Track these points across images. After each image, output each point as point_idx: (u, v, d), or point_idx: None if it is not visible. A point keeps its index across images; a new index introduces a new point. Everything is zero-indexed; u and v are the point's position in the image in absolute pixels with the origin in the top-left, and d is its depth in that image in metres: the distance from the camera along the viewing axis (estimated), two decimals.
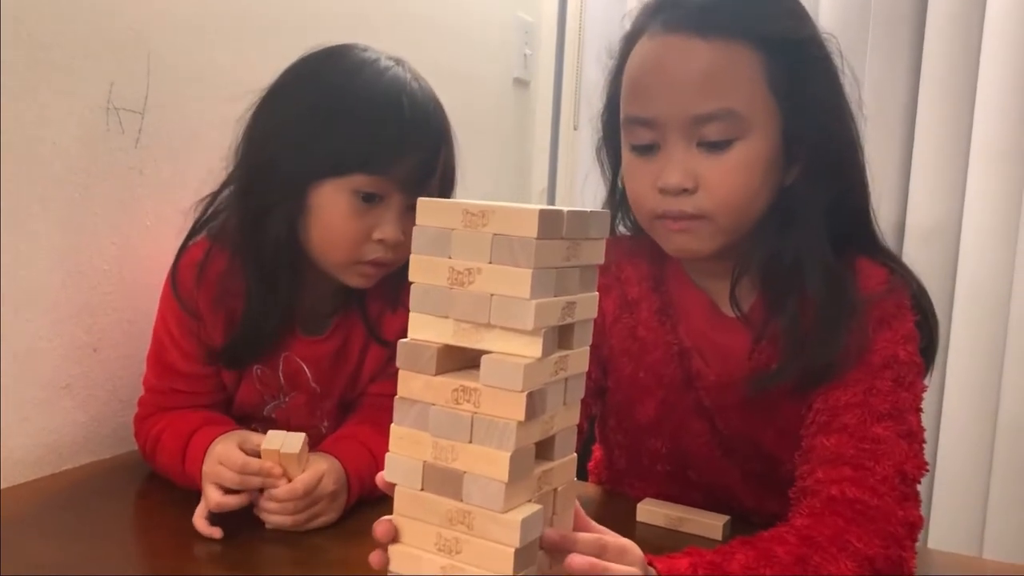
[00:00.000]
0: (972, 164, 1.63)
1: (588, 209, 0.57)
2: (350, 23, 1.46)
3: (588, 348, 0.59)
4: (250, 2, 1.25)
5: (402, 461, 0.57)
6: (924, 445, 0.83)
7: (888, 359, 0.83)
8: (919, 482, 0.80)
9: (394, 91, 0.94)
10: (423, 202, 0.56)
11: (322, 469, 0.89)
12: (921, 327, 0.88)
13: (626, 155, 0.88)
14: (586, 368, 0.59)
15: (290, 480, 0.87)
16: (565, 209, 0.54)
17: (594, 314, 0.59)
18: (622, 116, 0.87)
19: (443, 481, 0.55)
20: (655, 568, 0.67)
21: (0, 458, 0.97)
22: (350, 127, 0.92)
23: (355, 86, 0.94)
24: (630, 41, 0.88)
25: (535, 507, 0.55)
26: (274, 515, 0.87)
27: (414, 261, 0.55)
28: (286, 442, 0.87)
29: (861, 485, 0.77)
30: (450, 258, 0.54)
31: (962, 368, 1.65)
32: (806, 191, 0.85)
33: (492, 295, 0.53)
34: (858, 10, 1.75)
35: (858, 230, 0.90)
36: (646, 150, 0.85)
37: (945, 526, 1.67)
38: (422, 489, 0.56)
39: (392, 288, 1.00)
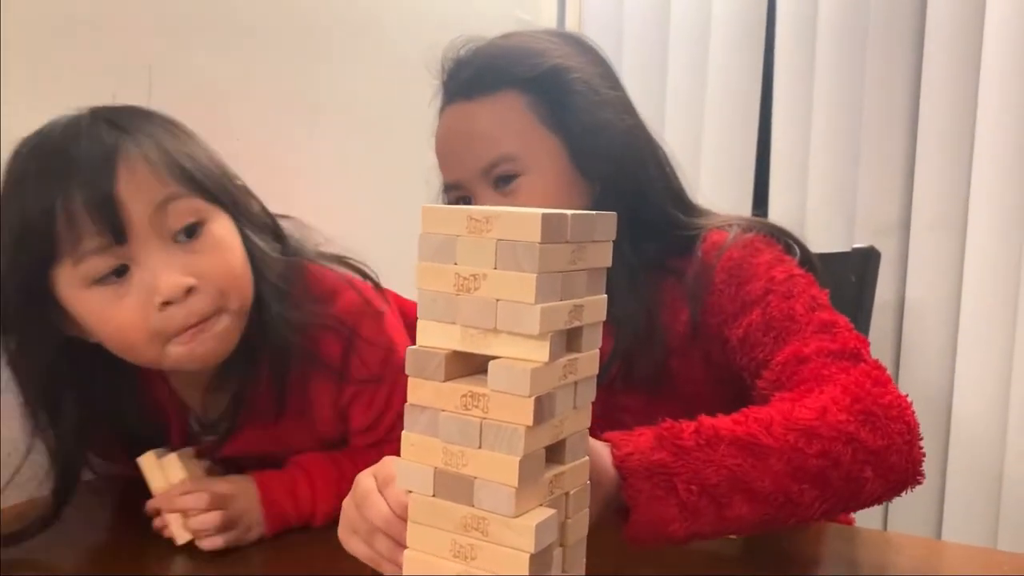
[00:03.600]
0: (976, 154, 1.63)
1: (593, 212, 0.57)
2: (351, 30, 1.46)
3: (598, 351, 0.59)
4: (249, 13, 1.26)
5: (414, 468, 0.57)
6: (849, 322, 0.84)
7: (765, 288, 0.86)
8: (866, 350, 0.81)
9: (52, 165, 0.79)
10: (427, 209, 0.55)
11: (186, 476, 0.87)
12: (790, 249, 0.92)
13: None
14: (596, 371, 0.59)
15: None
16: (569, 213, 0.54)
17: (603, 317, 0.59)
18: (443, 183, 0.96)
19: (454, 487, 0.55)
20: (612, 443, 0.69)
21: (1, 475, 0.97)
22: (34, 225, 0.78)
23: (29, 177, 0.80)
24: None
25: (549, 511, 0.55)
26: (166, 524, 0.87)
27: (420, 268, 0.55)
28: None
29: (832, 369, 0.78)
30: (455, 264, 0.54)
31: (972, 360, 1.64)
32: (605, 202, 0.88)
33: (498, 300, 0.53)
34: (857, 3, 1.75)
35: (670, 216, 0.95)
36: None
37: (960, 519, 1.67)
38: (434, 495, 0.56)
39: (273, 398, 0.90)
